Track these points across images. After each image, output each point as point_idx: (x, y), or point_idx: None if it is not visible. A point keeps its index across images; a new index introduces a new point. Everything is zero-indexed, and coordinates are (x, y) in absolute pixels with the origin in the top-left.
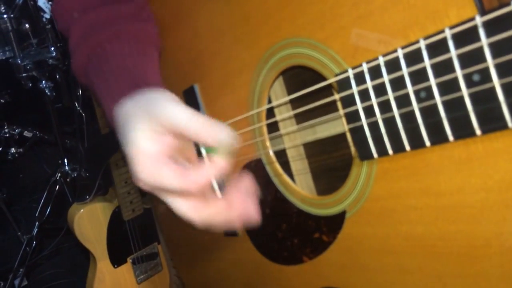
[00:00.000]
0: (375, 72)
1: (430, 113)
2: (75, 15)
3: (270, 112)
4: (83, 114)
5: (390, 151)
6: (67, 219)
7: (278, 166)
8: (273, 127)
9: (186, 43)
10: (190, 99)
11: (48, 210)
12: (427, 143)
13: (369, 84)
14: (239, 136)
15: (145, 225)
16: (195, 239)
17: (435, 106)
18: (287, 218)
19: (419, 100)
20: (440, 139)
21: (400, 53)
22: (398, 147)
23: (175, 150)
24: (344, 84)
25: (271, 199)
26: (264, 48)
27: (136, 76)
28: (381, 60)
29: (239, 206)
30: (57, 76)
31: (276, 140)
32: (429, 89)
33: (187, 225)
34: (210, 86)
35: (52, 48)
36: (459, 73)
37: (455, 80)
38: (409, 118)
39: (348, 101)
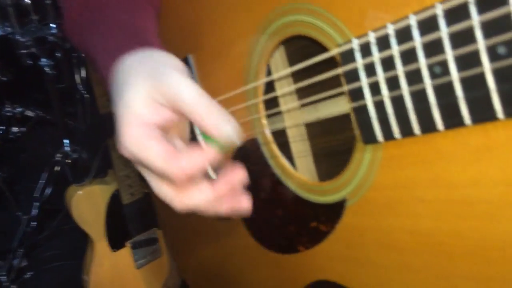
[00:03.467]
0: (384, 43)
1: (445, 91)
2: None
3: (270, 88)
4: (87, 95)
5: (398, 135)
6: (65, 201)
7: (275, 147)
8: (272, 104)
9: (180, 11)
10: None
11: (49, 191)
12: (440, 127)
13: (376, 56)
14: (243, 133)
15: (144, 209)
16: (189, 223)
17: (450, 83)
18: (283, 204)
19: (433, 76)
20: (456, 123)
21: (412, 20)
22: (406, 130)
23: (170, 125)
24: (348, 56)
25: (267, 183)
26: (262, 15)
27: (136, 32)
28: (391, 29)
29: (229, 199)
30: (58, 54)
31: (276, 118)
32: (445, 64)
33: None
34: (205, 57)
35: (53, 25)
36: (481, 44)
37: (476, 53)
38: (420, 97)
39: (352, 76)
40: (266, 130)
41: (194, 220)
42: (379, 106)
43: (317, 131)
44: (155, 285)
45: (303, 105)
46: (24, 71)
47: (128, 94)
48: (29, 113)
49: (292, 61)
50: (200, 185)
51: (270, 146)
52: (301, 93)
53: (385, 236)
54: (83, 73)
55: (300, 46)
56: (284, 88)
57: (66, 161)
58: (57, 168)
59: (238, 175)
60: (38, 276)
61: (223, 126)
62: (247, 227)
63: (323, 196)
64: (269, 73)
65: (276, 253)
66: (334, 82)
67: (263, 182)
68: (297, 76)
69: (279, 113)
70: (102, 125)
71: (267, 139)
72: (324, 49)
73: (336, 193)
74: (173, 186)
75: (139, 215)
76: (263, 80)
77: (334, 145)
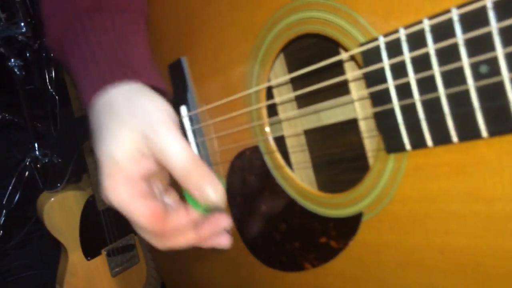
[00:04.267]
0: (417, 40)
1: (492, 93)
2: None
3: (269, 94)
4: (56, 97)
5: (430, 143)
6: (36, 208)
7: (279, 157)
8: (270, 112)
9: (172, 9)
10: (177, 74)
11: (17, 197)
12: (484, 134)
13: (406, 55)
14: (224, 198)
15: (121, 215)
16: None
17: (500, 84)
18: (288, 217)
19: (477, 77)
20: (502, 129)
21: (454, 14)
22: (441, 137)
23: (153, 174)
24: (372, 56)
25: (269, 195)
26: (268, 13)
27: (121, 58)
28: (426, 25)
29: (210, 242)
30: (28, 55)
31: (274, 127)
32: (493, 62)
33: None
34: (200, 59)
35: (22, 24)
36: None
37: None
38: (461, 101)
39: (376, 77)
40: (270, 138)
41: None
42: (409, 110)
43: (315, 138)
44: None
45: (303, 113)
46: None
47: (112, 144)
48: None
49: (290, 65)
50: (183, 231)
51: (273, 155)
52: (302, 100)
53: (407, 254)
54: (53, 74)
55: (296, 49)
56: (284, 95)
57: (36, 165)
58: (26, 173)
59: (223, 223)
60: (5, 287)
61: (208, 191)
62: (244, 241)
63: (334, 210)
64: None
65: (277, 270)
66: (338, 87)
67: (264, 194)
68: (296, 83)
69: (277, 121)
70: (77, 128)
71: (271, 148)
72: (326, 51)
73: (350, 207)
74: (156, 235)
75: (116, 221)
76: (265, 84)
77: (334, 152)
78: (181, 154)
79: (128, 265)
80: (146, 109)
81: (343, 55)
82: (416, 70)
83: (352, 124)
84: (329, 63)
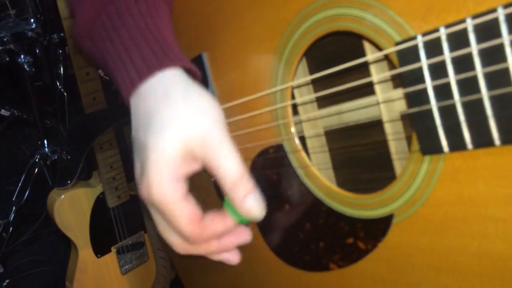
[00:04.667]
0: (459, 40)
1: None
2: None
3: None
4: (65, 93)
5: (470, 145)
6: (46, 205)
7: (304, 156)
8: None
9: (194, 5)
10: None
11: (27, 194)
12: None
13: (447, 56)
14: (265, 210)
15: (131, 212)
16: None
17: None
18: (313, 217)
19: None
20: None
21: (501, 14)
22: (482, 140)
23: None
24: (409, 55)
25: (293, 194)
26: (296, 10)
27: (162, 43)
28: (470, 24)
29: (221, 256)
30: (37, 51)
31: (296, 126)
32: None
33: None
34: (222, 55)
35: (32, 20)
36: None
37: None
38: (505, 103)
39: (413, 77)
40: (295, 138)
41: None
42: (448, 112)
43: (336, 137)
44: None
45: (325, 113)
46: (0, 69)
47: (165, 136)
48: (4, 112)
49: (310, 62)
50: (209, 241)
51: (298, 155)
52: (322, 100)
53: (441, 257)
54: (62, 70)
55: (316, 46)
56: (305, 94)
57: (45, 162)
58: (35, 170)
59: (246, 236)
60: (15, 284)
61: (251, 207)
62: (266, 240)
63: (363, 211)
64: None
65: (300, 269)
66: (362, 87)
67: (288, 192)
68: (317, 82)
69: (298, 121)
70: (87, 125)
71: (296, 147)
72: (348, 47)
73: (380, 208)
74: (183, 239)
75: (126, 218)
76: (291, 82)
77: (355, 151)
78: (234, 166)
79: (138, 262)
80: (204, 105)
81: (376, 55)
82: (457, 70)
83: (374, 122)
84: (356, 63)
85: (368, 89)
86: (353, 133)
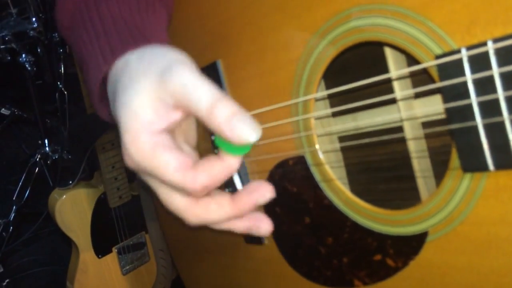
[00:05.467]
0: (509, 55)
1: None
2: None
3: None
4: (65, 92)
5: None
6: (47, 205)
7: (328, 169)
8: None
9: (207, 9)
10: (211, 78)
11: (27, 193)
12: None
13: (495, 71)
14: (260, 129)
15: (132, 213)
16: (203, 237)
17: None
18: (336, 231)
19: None
20: None
21: None
22: None
23: (179, 130)
24: (451, 69)
25: (314, 207)
26: (322, 19)
27: (138, 31)
28: None
29: (248, 220)
30: (39, 50)
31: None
32: None
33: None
34: (238, 63)
35: (34, 19)
36: None
37: None
38: None
39: (455, 92)
40: (319, 151)
41: (208, 234)
42: (495, 129)
43: (352, 146)
44: None
45: (343, 129)
46: (1, 68)
47: (133, 99)
48: (4, 111)
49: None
50: (219, 198)
51: (322, 168)
52: (340, 112)
53: (480, 278)
54: (62, 69)
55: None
56: (322, 108)
57: (46, 162)
58: (35, 169)
59: (265, 191)
60: (15, 283)
61: (241, 128)
62: (282, 253)
63: (394, 227)
64: None
65: (321, 285)
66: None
67: (309, 206)
68: (333, 96)
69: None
70: (89, 125)
71: (320, 160)
72: (368, 54)
73: (413, 225)
74: (188, 198)
75: (127, 218)
76: (315, 94)
77: (372, 161)
78: (203, 88)
79: (139, 263)
80: (160, 52)
81: (416, 67)
82: (506, 87)
83: (392, 130)
84: (379, 79)
85: (390, 103)
86: (369, 142)
